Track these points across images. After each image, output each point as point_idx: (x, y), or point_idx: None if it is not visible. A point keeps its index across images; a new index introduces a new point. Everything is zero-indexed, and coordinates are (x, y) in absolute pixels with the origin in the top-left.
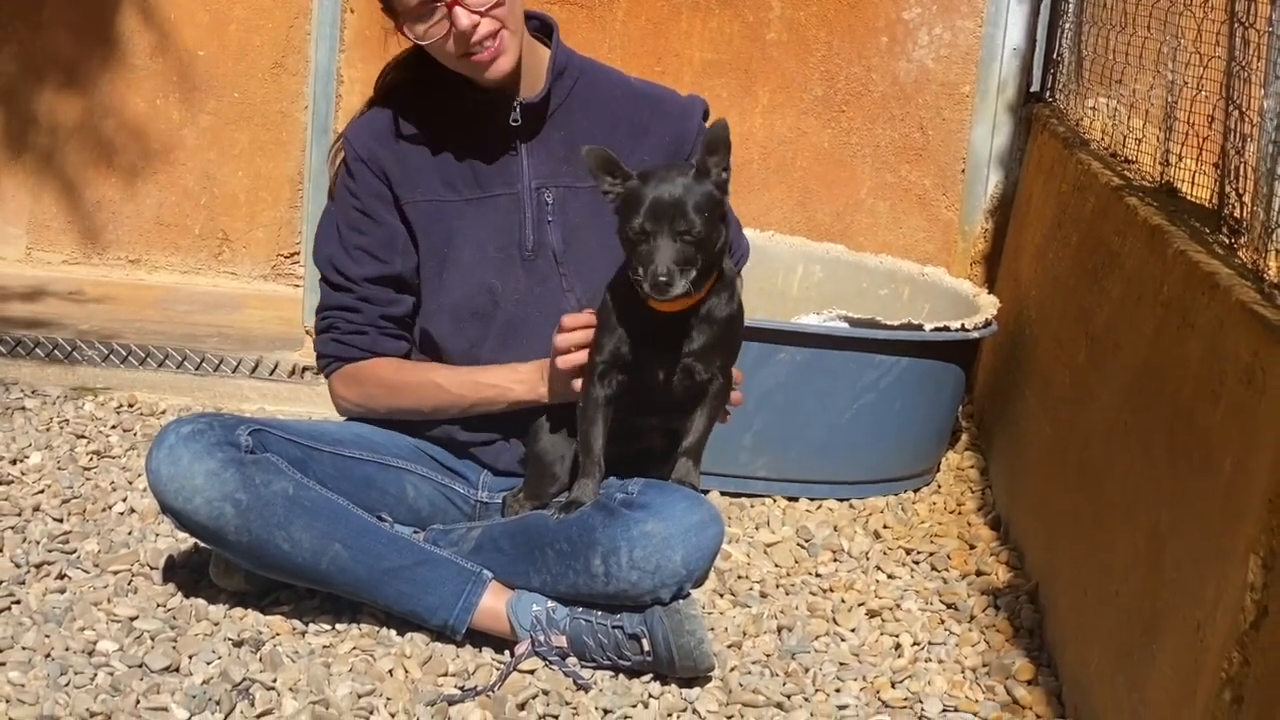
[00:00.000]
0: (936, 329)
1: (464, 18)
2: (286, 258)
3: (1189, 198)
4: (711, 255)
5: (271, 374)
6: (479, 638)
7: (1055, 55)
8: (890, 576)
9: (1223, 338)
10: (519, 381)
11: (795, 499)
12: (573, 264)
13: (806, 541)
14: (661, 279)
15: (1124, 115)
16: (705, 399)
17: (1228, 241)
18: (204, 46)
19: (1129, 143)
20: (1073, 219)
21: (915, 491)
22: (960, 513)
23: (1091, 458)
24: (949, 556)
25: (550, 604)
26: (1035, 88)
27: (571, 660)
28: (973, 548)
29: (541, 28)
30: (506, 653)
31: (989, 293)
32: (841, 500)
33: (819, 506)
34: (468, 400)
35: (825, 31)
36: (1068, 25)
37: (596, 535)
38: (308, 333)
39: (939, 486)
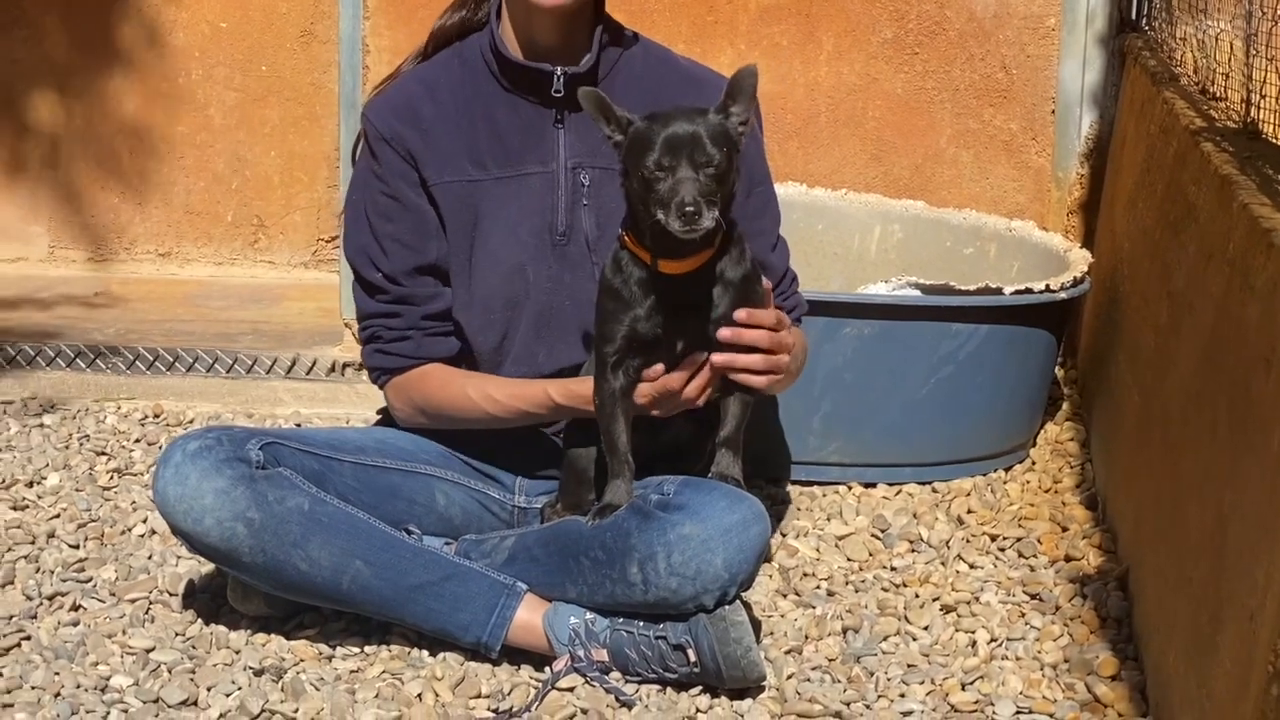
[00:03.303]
0: (1016, 292)
1: None
2: (327, 242)
3: (1273, 140)
4: (730, 193)
5: (309, 373)
6: (517, 655)
7: None
8: (972, 566)
9: (1276, 301)
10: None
11: (872, 485)
12: (605, 252)
13: (882, 532)
14: (689, 209)
15: (1211, 46)
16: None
17: None
18: (226, 18)
19: (1217, 77)
20: (1158, 165)
21: (1007, 470)
22: (1056, 491)
23: (1171, 430)
24: (1038, 541)
25: (590, 616)
26: (1133, 15)
27: (614, 675)
28: (1065, 530)
29: None
30: (547, 669)
31: (1086, 245)
32: (924, 484)
33: (898, 492)
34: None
35: None
36: None
37: (632, 541)
38: (346, 325)
39: (1033, 463)
